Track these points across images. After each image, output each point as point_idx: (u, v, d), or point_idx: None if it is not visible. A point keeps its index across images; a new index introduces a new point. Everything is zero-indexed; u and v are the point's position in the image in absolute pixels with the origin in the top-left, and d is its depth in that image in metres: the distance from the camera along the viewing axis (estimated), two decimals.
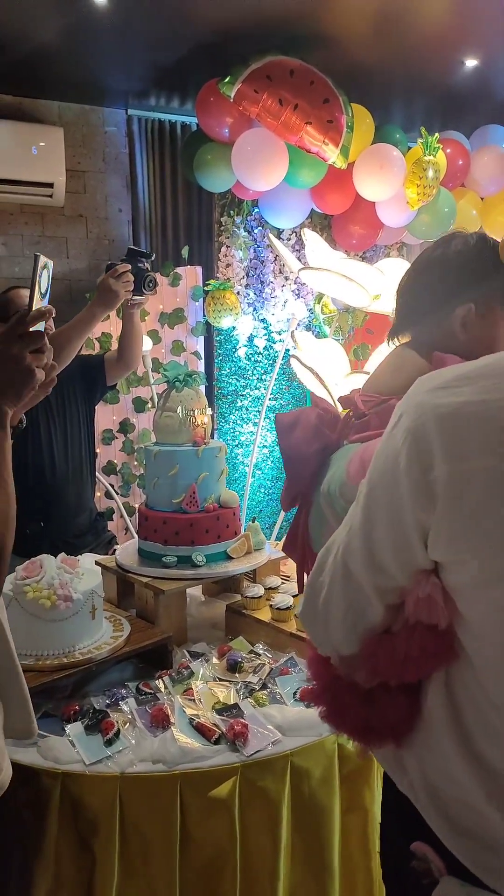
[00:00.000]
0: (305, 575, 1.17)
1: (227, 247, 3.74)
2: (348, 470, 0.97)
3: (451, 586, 0.72)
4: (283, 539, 1.19)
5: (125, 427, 3.45)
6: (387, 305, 2.97)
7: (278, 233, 3.78)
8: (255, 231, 3.76)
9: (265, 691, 1.58)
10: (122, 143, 3.72)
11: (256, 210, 3.68)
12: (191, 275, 3.57)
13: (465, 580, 0.70)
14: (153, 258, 2.43)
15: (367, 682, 0.81)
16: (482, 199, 3.76)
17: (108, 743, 1.39)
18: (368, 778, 1.51)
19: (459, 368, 0.71)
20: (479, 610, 0.71)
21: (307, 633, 0.90)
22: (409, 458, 0.69)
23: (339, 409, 1.26)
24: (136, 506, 3.42)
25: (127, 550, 2.04)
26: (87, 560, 2.11)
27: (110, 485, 3.35)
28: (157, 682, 1.60)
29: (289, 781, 1.41)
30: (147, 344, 3.26)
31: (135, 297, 2.35)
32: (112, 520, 3.40)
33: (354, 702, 0.83)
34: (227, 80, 2.93)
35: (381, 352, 2.94)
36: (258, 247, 3.78)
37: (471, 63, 3.21)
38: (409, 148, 3.50)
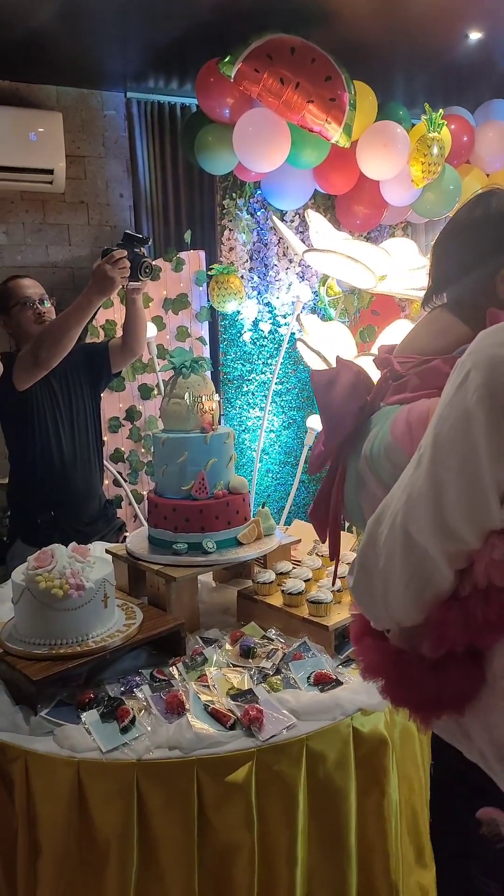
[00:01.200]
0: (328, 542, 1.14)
1: (230, 230, 3.71)
2: (393, 432, 0.93)
3: None
4: (311, 507, 1.14)
5: (132, 414, 3.44)
6: (393, 286, 2.94)
7: (281, 215, 3.74)
8: (258, 214, 3.72)
9: (279, 676, 1.58)
10: (121, 127, 3.67)
11: (259, 192, 3.63)
12: (194, 259, 3.54)
13: None
14: (150, 243, 2.40)
15: (434, 652, 0.79)
16: (487, 175, 3.71)
17: (124, 730, 1.39)
18: (384, 760, 1.51)
19: None
20: None
21: (361, 609, 0.88)
22: (487, 415, 0.68)
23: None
24: (145, 493, 3.42)
25: (137, 538, 2.04)
26: (98, 548, 2.12)
27: (118, 472, 3.35)
28: (170, 668, 1.61)
29: (304, 765, 1.41)
30: (151, 330, 3.24)
31: (132, 283, 2.33)
32: (121, 507, 3.40)
33: (424, 673, 0.81)
34: (226, 59, 2.89)
35: (390, 332, 2.92)
36: (261, 229, 3.75)
37: (475, 36, 3.15)
38: (413, 125, 3.45)
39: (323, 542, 1.21)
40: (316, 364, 2.83)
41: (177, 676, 1.58)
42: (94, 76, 3.45)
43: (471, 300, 1.05)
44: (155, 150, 3.64)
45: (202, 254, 3.58)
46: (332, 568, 1.77)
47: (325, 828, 1.45)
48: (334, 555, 1.17)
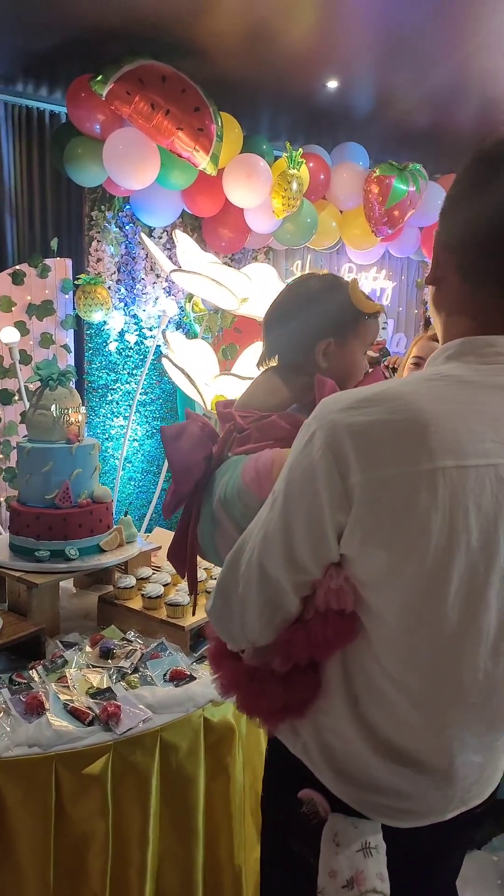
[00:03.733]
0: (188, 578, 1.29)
1: (98, 241, 3.75)
2: (243, 478, 1.08)
3: (358, 576, 0.84)
4: (168, 548, 1.28)
5: None
6: (253, 309, 3.14)
7: (150, 230, 3.84)
8: (127, 227, 3.80)
9: (137, 675, 1.69)
10: None
11: (128, 206, 3.71)
12: (60, 267, 3.54)
13: (374, 570, 0.82)
14: None
15: (283, 667, 0.93)
16: (341, 212, 4.03)
17: None
18: (231, 747, 1.67)
19: (361, 392, 0.83)
20: (383, 595, 0.83)
21: (218, 632, 0.99)
22: (328, 469, 0.80)
23: (212, 413, 1.37)
24: (2, 499, 3.37)
25: None
26: None
27: None
28: (30, 672, 1.66)
29: (158, 755, 1.53)
30: (14, 335, 3.21)
31: None
32: None
33: (274, 685, 0.95)
34: (99, 78, 2.95)
35: (249, 353, 3.12)
36: (129, 243, 3.83)
37: (332, 84, 3.45)
38: (276, 158, 3.69)
39: (183, 578, 1.36)
40: (180, 380, 2.96)
41: (36, 679, 1.64)
42: None
43: (294, 365, 1.26)
44: (21, 154, 3.60)
45: (69, 262, 3.59)
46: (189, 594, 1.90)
47: (175, 812, 1.58)
48: (193, 589, 1.34)
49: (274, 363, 1.30)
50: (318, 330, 1.24)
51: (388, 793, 0.92)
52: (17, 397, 3.40)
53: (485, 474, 0.78)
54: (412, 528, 0.78)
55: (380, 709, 0.90)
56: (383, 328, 5.04)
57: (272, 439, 1.12)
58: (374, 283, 4.84)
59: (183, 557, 1.26)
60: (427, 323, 5.29)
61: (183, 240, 3.19)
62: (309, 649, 0.90)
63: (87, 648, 1.79)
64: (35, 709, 1.52)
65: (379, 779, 0.92)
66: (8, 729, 1.46)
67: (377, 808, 0.93)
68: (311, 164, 3.66)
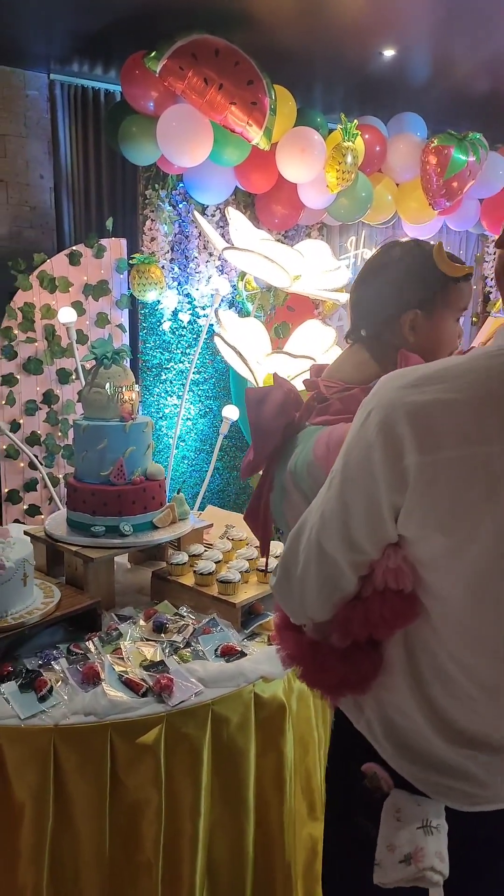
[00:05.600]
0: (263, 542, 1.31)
1: (152, 220, 3.76)
2: (314, 451, 1.08)
3: (417, 557, 0.84)
4: (245, 510, 1.29)
5: (49, 398, 3.46)
6: (307, 286, 3.11)
7: (203, 208, 3.83)
8: (180, 206, 3.80)
9: (189, 649, 1.72)
10: (44, 108, 3.64)
11: (181, 185, 3.71)
12: (115, 247, 3.58)
13: (432, 552, 0.81)
14: None
15: (342, 643, 0.94)
16: (397, 185, 3.93)
17: (42, 699, 1.49)
18: (282, 723, 1.68)
19: (422, 370, 0.82)
20: (442, 577, 0.82)
21: (281, 606, 1.01)
22: (384, 450, 0.79)
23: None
24: (60, 476, 3.45)
25: (56, 520, 2.11)
26: (16, 530, 2.17)
27: (34, 455, 3.37)
28: (86, 643, 1.71)
29: (210, 728, 1.56)
30: (71, 315, 3.27)
31: None
32: (35, 490, 3.42)
33: (334, 661, 0.96)
34: (152, 54, 2.94)
35: (302, 330, 3.09)
36: (183, 221, 3.82)
37: (388, 53, 3.34)
38: (330, 131, 3.61)
39: (259, 541, 1.39)
40: (232, 358, 2.96)
41: (92, 650, 1.68)
42: (16, 55, 3.40)
43: (381, 338, 1.21)
44: (77, 134, 3.64)
45: (124, 242, 3.62)
46: (262, 559, 1.97)
47: (226, 784, 1.60)
48: (264, 552, 1.35)
49: (361, 335, 1.25)
50: (402, 301, 1.19)
51: (451, 774, 0.91)
52: (74, 376, 3.47)
53: None
54: (470, 513, 0.76)
55: (445, 690, 0.89)
56: None
57: (351, 413, 1.10)
58: None
59: (256, 521, 1.27)
60: (486, 300, 5.12)
61: (235, 217, 3.18)
62: (367, 627, 0.90)
63: (141, 622, 1.83)
64: (91, 679, 1.56)
65: (442, 759, 0.91)
66: (66, 697, 1.51)
67: (439, 788, 0.93)
68: (366, 136, 3.56)
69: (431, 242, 1.23)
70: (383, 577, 0.86)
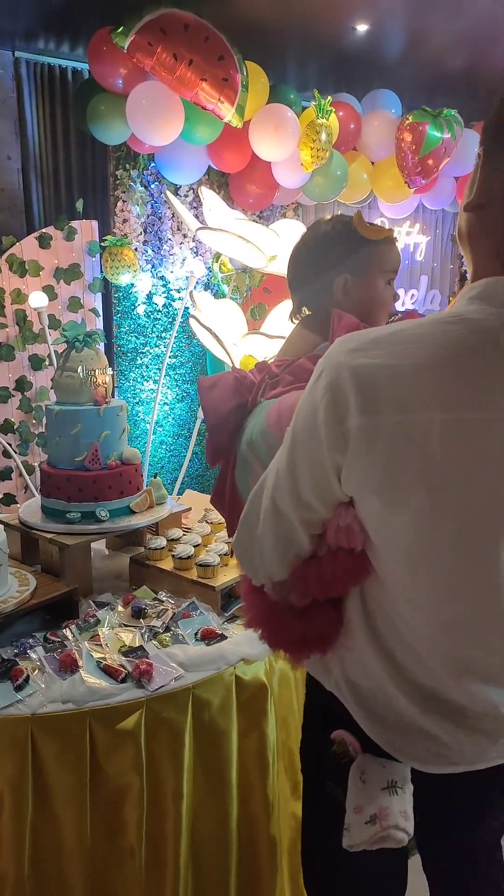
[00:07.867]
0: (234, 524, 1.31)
1: (124, 201, 3.69)
2: (267, 419, 1.13)
3: (361, 516, 0.85)
4: (211, 494, 1.33)
5: (22, 385, 3.40)
6: (282, 267, 3.07)
7: (175, 189, 3.77)
8: (152, 186, 3.73)
9: (168, 633, 1.70)
10: (9, 87, 3.55)
11: (153, 164, 3.64)
12: (86, 229, 3.51)
13: (371, 512, 0.82)
14: None
15: (300, 602, 0.95)
16: (373, 162, 3.89)
17: (18, 688, 1.46)
18: (263, 704, 1.67)
19: (374, 332, 0.82)
20: (382, 540, 0.84)
21: (241, 566, 1.03)
22: (328, 410, 0.80)
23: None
24: (36, 464, 3.40)
25: (30, 508, 2.07)
26: None
27: (7, 444, 3.32)
28: (64, 630, 1.68)
29: (191, 711, 1.54)
30: (42, 300, 3.20)
31: None
32: (10, 479, 3.37)
33: (293, 619, 0.97)
34: (120, 30, 2.87)
35: (279, 311, 3.06)
36: (155, 202, 3.76)
37: (362, 27, 3.29)
38: (304, 108, 3.56)
39: (226, 523, 1.40)
40: (208, 340, 2.93)
41: (70, 637, 1.66)
42: None
43: (322, 310, 1.26)
44: (45, 114, 3.55)
45: (95, 224, 3.55)
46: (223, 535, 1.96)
47: (209, 767, 1.59)
48: (232, 533, 1.33)
49: (304, 315, 1.32)
50: (333, 270, 1.26)
51: (416, 735, 0.93)
52: (47, 362, 3.41)
53: (490, 427, 0.74)
54: (404, 483, 0.76)
55: (404, 649, 0.90)
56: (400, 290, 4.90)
57: (302, 382, 1.13)
58: (408, 238, 4.69)
59: (222, 503, 1.30)
60: (462, 279, 5.12)
61: (209, 197, 3.13)
62: (321, 585, 0.92)
63: (120, 608, 1.81)
64: (69, 666, 1.54)
65: (406, 720, 0.92)
66: (42, 686, 1.48)
67: (405, 749, 0.94)
68: (340, 113, 3.52)
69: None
70: (335, 536, 0.88)
